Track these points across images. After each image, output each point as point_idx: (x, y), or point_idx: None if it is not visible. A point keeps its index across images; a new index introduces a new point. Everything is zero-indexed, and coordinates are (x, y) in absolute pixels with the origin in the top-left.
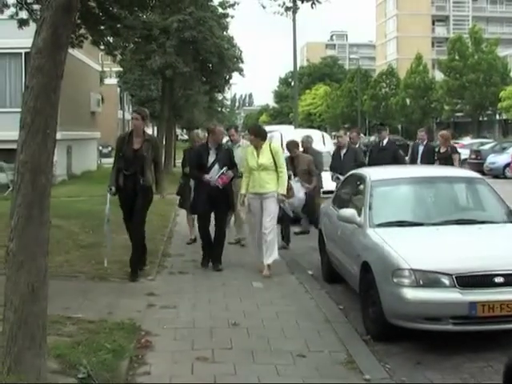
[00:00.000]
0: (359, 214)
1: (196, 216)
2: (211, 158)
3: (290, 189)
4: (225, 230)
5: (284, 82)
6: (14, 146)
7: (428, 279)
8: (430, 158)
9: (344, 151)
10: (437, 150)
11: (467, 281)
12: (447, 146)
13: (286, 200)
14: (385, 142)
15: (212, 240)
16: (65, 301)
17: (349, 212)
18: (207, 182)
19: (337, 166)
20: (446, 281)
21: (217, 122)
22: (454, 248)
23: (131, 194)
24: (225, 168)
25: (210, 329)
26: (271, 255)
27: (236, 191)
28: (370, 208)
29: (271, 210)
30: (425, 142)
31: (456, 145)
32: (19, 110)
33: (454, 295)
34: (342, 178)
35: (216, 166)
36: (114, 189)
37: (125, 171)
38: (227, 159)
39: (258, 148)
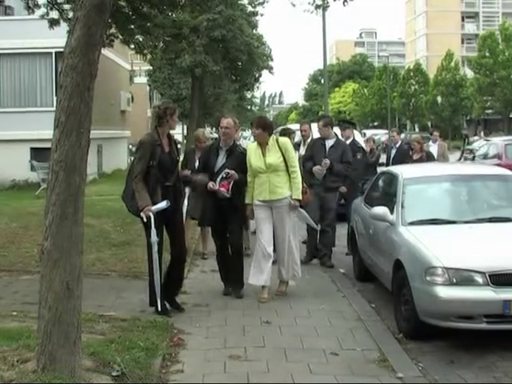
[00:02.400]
0: (391, 212)
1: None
2: (220, 162)
3: (305, 192)
4: (240, 249)
5: (314, 79)
6: (44, 145)
7: (461, 277)
8: (403, 161)
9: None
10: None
11: (501, 279)
12: (422, 151)
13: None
14: (348, 142)
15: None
16: (97, 299)
17: (381, 210)
18: (211, 191)
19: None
20: (479, 279)
21: (229, 114)
22: (487, 246)
23: (170, 210)
24: (225, 171)
25: (243, 327)
26: (290, 271)
27: None
28: (402, 206)
29: (287, 222)
30: (397, 144)
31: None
32: (50, 109)
33: (488, 293)
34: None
35: (215, 184)
36: (155, 208)
37: (167, 182)
38: (238, 165)
39: (262, 145)
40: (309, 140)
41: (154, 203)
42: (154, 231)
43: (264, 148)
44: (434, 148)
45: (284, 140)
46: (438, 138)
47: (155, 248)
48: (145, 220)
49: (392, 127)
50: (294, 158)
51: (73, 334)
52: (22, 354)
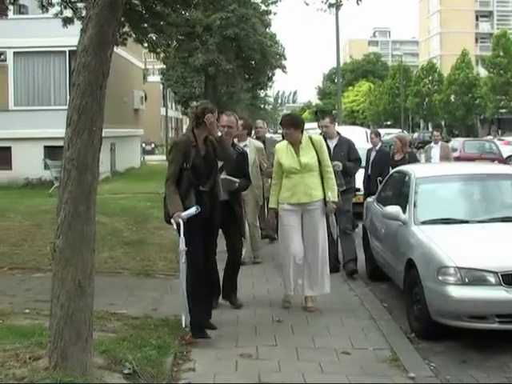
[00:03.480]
0: (404, 212)
1: None
2: (220, 163)
3: (338, 194)
4: (239, 258)
5: (328, 78)
6: (58, 144)
7: (473, 277)
8: (383, 165)
9: None
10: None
11: None
12: (405, 152)
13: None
14: None
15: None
16: (110, 297)
17: (393, 209)
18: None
19: None
20: (491, 279)
21: (231, 111)
22: (500, 246)
23: (205, 218)
24: (223, 175)
25: (254, 326)
26: (323, 286)
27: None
28: (414, 205)
29: (321, 227)
30: (377, 147)
31: (500, 142)
32: (63, 107)
33: (500, 293)
34: None
35: (223, 175)
36: (185, 214)
37: (201, 187)
38: (236, 167)
39: (295, 144)
40: None
41: (186, 208)
42: (182, 239)
43: (297, 147)
44: (436, 150)
45: (318, 137)
46: (439, 138)
47: (183, 258)
48: (175, 227)
49: (405, 126)
50: (328, 156)
51: (84, 332)
52: (34, 352)
